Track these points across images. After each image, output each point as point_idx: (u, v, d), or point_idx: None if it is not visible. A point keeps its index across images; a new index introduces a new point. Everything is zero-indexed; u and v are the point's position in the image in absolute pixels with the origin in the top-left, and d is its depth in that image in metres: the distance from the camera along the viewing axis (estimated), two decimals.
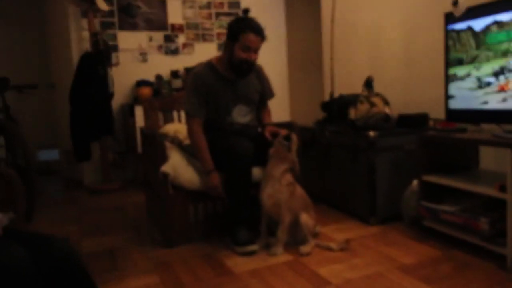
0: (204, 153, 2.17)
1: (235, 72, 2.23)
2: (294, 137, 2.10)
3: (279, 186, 2.06)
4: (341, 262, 1.93)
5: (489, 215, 1.88)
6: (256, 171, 2.23)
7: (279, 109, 4.65)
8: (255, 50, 2.18)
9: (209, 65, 2.28)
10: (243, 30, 2.13)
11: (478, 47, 1.98)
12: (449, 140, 2.03)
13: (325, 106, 2.88)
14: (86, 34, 3.84)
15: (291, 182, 2.11)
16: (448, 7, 2.11)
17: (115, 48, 3.97)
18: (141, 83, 3.91)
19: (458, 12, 2.06)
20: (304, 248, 2.05)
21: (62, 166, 4.51)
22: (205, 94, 2.22)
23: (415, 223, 2.31)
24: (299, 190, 2.17)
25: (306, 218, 2.12)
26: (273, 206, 2.08)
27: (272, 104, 2.56)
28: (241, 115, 2.32)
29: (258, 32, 2.15)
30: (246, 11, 2.22)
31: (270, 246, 2.09)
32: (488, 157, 2.34)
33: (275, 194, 2.06)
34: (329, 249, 2.06)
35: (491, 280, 1.68)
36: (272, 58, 4.61)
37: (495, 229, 1.82)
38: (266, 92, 2.44)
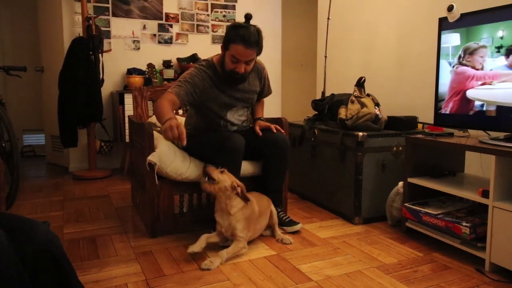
0: (164, 108, 1.96)
1: (227, 80, 2.18)
2: (210, 170, 1.94)
3: (228, 216, 1.95)
4: (323, 259, 1.94)
5: (470, 220, 1.90)
6: (245, 165, 2.24)
7: (271, 105, 4.65)
8: (246, 62, 2.09)
9: (211, 65, 2.20)
10: (233, 40, 2.03)
11: None
12: (435, 144, 2.04)
13: (316, 104, 2.88)
14: (78, 18, 3.79)
15: (243, 206, 1.97)
16: (443, 12, 2.12)
17: (107, 34, 3.92)
18: (132, 71, 3.87)
19: (452, 18, 2.08)
20: (284, 237, 2.15)
21: (47, 151, 4.45)
22: (200, 91, 2.15)
23: (399, 224, 2.34)
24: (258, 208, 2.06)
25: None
26: (232, 236, 1.98)
27: (265, 99, 2.55)
28: (236, 116, 2.29)
29: (249, 44, 2.02)
30: (247, 17, 2.11)
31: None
32: (474, 162, 2.38)
33: (229, 229, 1.97)
34: (289, 243, 2.12)
35: (469, 283, 1.70)
36: (266, 54, 4.58)
37: (476, 234, 1.85)
38: (264, 91, 2.42)
